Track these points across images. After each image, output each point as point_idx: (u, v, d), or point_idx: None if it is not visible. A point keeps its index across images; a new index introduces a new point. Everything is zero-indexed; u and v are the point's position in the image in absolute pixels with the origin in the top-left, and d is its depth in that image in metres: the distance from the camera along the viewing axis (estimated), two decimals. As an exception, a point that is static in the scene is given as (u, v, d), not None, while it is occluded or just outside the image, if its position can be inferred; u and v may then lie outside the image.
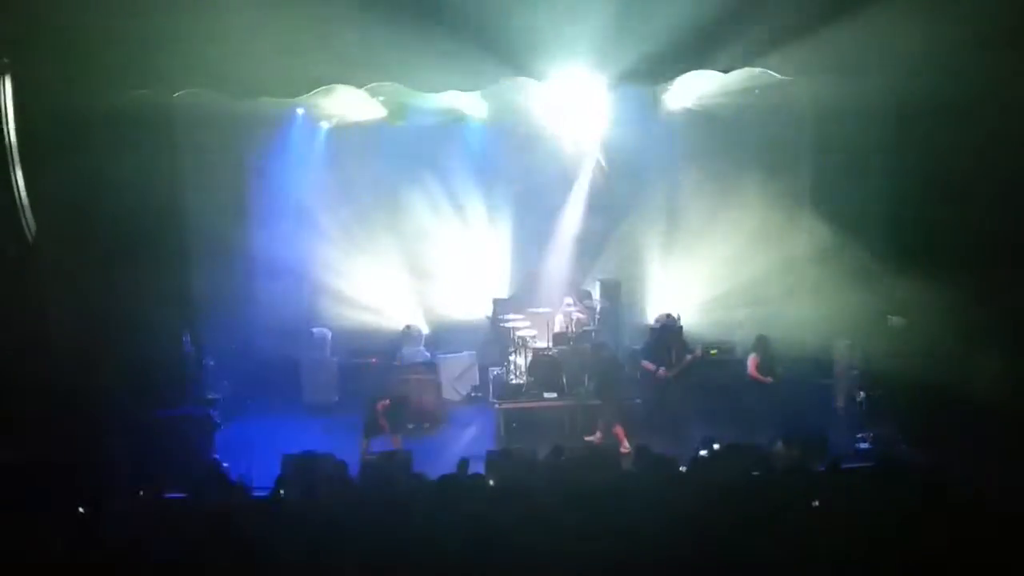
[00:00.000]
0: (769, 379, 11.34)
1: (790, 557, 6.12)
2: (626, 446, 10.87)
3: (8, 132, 9.28)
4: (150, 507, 8.09)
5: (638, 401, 12.05)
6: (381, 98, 13.17)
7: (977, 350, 10.76)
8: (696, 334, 13.14)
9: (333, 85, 11.05)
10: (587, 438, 11.50)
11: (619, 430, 11.38)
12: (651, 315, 13.81)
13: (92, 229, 10.10)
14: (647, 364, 11.94)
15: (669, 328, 12.34)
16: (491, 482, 8.20)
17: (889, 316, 11.76)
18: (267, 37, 9.49)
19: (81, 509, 7.62)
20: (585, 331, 12.96)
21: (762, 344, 11.77)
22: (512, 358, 13.06)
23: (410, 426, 12.07)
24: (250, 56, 9.58)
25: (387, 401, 11.11)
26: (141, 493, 8.34)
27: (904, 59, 9.94)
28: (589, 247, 14.79)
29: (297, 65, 9.91)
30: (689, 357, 11.86)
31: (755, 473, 8.31)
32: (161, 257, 10.91)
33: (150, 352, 10.56)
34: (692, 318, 13.59)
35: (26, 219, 9.49)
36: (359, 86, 11.17)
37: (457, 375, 14.09)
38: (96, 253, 10.08)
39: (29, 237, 9.54)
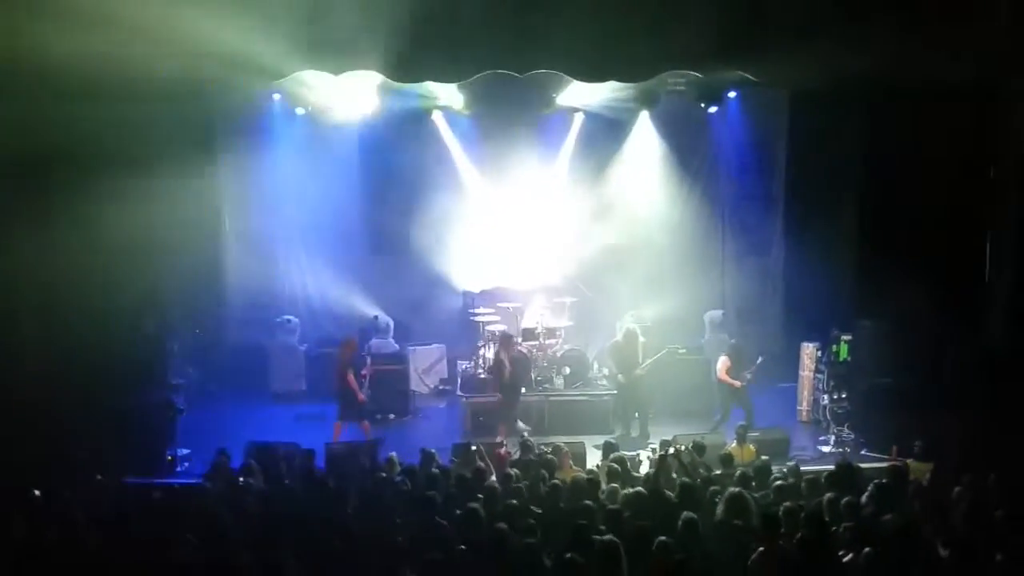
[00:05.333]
0: (738, 384, 11.40)
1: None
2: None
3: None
4: (109, 492, 8.04)
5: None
6: (364, 85, 13.00)
7: (943, 352, 10.95)
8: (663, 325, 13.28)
9: (309, 71, 10.97)
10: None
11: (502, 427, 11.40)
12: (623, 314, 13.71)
13: (54, 212, 9.93)
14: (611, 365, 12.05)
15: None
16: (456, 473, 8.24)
17: (857, 320, 11.87)
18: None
19: (36, 492, 7.53)
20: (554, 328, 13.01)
21: (735, 349, 11.83)
22: (481, 352, 13.05)
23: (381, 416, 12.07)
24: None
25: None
26: (99, 478, 8.28)
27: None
28: (561, 243, 14.74)
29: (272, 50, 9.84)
30: (646, 363, 11.84)
31: (717, 472, 8.42)
32: (128, 241, 10.68)
33: (112, 336, 10.35)
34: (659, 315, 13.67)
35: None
36: (336, 73, 11.05)
37: (426, 367, 14.03)
38: (58, 236, 9.89)
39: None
